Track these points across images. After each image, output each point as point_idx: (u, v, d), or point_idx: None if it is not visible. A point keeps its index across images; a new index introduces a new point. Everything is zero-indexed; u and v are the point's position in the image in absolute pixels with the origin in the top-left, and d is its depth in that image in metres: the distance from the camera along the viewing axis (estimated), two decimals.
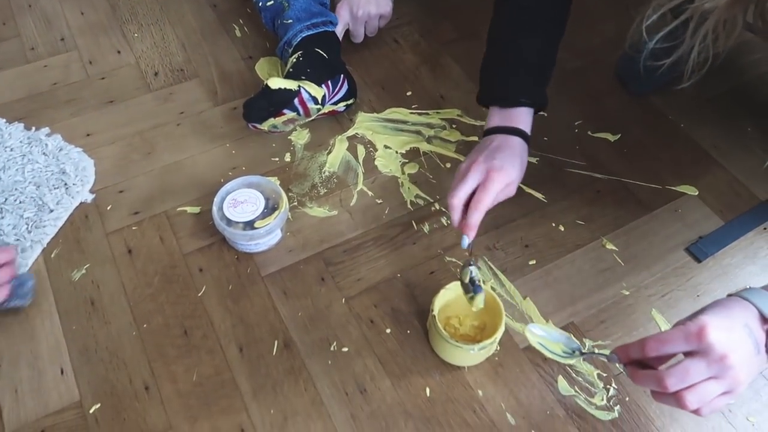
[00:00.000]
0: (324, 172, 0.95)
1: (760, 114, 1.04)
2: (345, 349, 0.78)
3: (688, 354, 0.56)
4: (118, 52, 1.11)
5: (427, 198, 0.92)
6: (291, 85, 0.92)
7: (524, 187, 0.93)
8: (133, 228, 0.88)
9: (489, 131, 0.81)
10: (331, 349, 0.78)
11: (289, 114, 0.93)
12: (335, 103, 0.98)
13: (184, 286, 0.83)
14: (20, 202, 0.88)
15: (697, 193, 0.94)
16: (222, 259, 0.85)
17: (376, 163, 0.96)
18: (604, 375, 0.76)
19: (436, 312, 0.73)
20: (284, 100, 0.91)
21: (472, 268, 0.74)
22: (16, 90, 1.04)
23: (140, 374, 0.75)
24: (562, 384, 0.75)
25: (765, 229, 0.90)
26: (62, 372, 0.75)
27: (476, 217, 0.73)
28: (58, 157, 0.94)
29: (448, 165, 0.96)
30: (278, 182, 0.92)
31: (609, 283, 0.84)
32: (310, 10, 1.00)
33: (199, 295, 0.82)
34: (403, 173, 0.95)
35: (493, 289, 0.82)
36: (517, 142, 0.79)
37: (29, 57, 1.10)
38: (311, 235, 0.88)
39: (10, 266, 0.76)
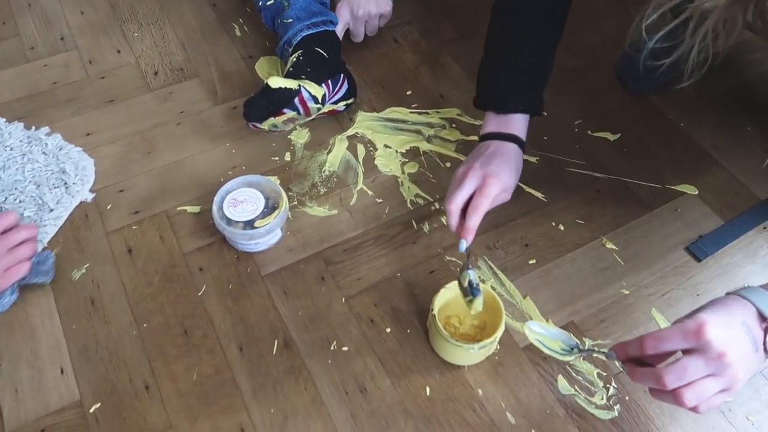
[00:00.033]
0: (324, 172, 0.95)
1: (760, 113, 1.04)
2: (345, 349, 0.78)
3: (686, 352, 0.56)
4: (118, 51, 1.11)
5: (427, 197, 0.92)
6: (291, 84, 0.92)
7: (524, 187, 0.93)
8: (133, 227, 0.88)
9: (485, 137, 0.83)
10: (331, 348, 0.78)
11: (289, 113, 0.93)
12: (335, 103, 0.98)
13: (184, 286, 0.83)
14: (20, 202, 0.88)
15: (696, 193, 0.94)
16: (222, 259, 0.85)
17: (376, 162, 0.96)
18: (604, 374, 0.76)
19: (436, 311, 0.73)
20: (284, 99, 0.91)
21: (470, 272, 0.74)
22: (15, 89, 1.04)
23: (140, 373, 0.75)
24: (562, 383, 0.75)
25: (765, 228, 0.90)
26: (62, 371, 0.75)
27: (474, 222, 0.75)
28: (58, 157, 0.94)
29: (448, 164, 0.96)
30: (278, 181, 0.92)
31: (609, 282, 0.84)
32: (310, 9, 1.00)
33: (199, 294, 0.82)
34: (403, 172, 0.95)
35: (493, 288, 0.82)
36: (512, 148, 0.80)
37: (29, 56, 1.10)
38: (311, 234, 0.88)
39: (32, 242, 0.77)
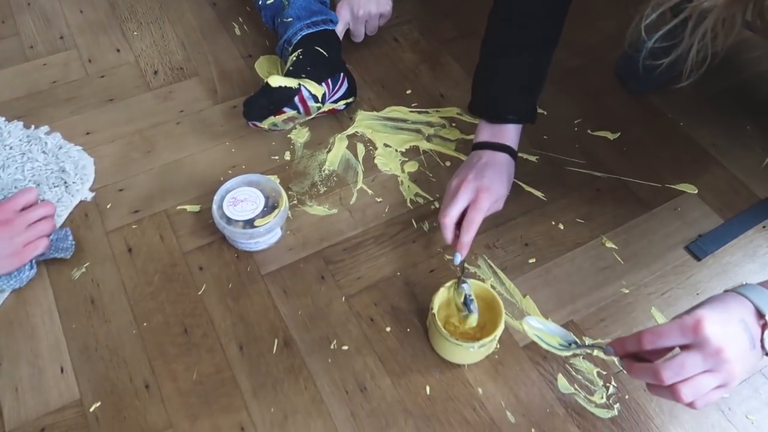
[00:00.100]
0: (324, 171, 0.95)
1: (759, 112, 1.04)
2: (345, 348, 0.78)
3: (684, 348, 0.56)
4: (118, 50, 1.11)
5: (427, 196, 0.92)
6: (291, 83, 0.92)
7: (524, 186, 0.93)
8: (133, 226, 0.88)
9: (477, 146, 0.84)
10: (331, 347, 0.78)
11: (289, 112, 0.93)
12: (335, 102, 0.98)
13: (184, 285, 0.83)
14: None
15: (696, 192, 0.94)
16: (222, 258, 0.85)
17: (375, 161, 0.96)
18: (604, 373, 0.76)
19: (435, 310, 0.73)
20: (285, 98, 0.91)
21: (465, 286, 0.75)
22: (15, 88, 1.04)
23: (140, 372, 0.75)
24: (562, 382, 0.75)
25: (764, 227, 0.90)
26: (62, 370, 0.75)
27: (469, 237, 0.77)
28: (57, 156, 0.94)
29: (448, 163, 0.96)
30: (278, 181, 0.92)
31: (608, 281, 0.84)
32: (310, 8, 1.00)
33: (199, 293, 0.82)
34: (403, 171, 0.95)
35: (492, 287, 0.82)
36: (504, 158, 0.82)
37: (28, 55, 1.10)
38: (311, 233, 0.88)
39: (51, 219, 0.81)
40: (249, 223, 0.82)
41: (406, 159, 0.97)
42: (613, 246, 0.88)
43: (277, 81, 0.91)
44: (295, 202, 0.91)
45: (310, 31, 0.98)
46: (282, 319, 0.80)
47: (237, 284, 0.83)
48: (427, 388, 0.75)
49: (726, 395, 0.65)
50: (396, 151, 0.98)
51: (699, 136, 1.01)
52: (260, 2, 1.04)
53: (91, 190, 0.91)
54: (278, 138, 0.98)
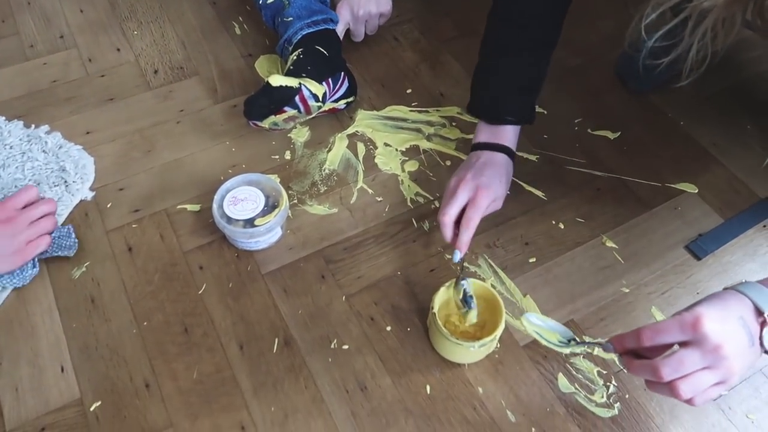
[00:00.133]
0: (324, 170, 0.95)
1: (759, 111, 1.05)
2: (345, 347, 0.78)
3: (683, 344, 0.56)
4: (118, 49, 1.11)
5: (427, 196, 0.93)
6: (292, 82, 0.92)
7: (524, 185, 0.93)
8: (134, 226, 0.88)
9: (476, 146, 0.85)
10: (332, 346, 0.78)
11: (290, 111, 0.93)
12: (336, 101, 0.98)
13: (185, 284, 0.83)
14: None
15: (696, 191, 0.94)
16: (222, 257, 0.85)
17: (376, 160, 0.96)
18: (604, 372, 0.76)
19: (436, 309, 0.73)
20: (285, 97, 0.91)
21: (465, 283, 0.75)
22: (15, 87, 1.04)
23: (141, 372, 0.75)
24: (562, 381, 0.75)
25: (764, 226, 0.90)
26: (62, 370, 0.75)
27: (468, 235, 0.78)
28: (57, 155, 0.93)
29: (448, 162, 0.96)
30: (278, 180, 0.92)
31: (609, 280, 0.84)
32: (311, 7, 1.00)
33: (200, 292, 0.82)
34: (403, 171, 0.95)
35: (493, 286, 0.82)
36: (502, 159, 0.83)
37: (28, 54, 1.10)
38: (311, 232, 0.88)
39: (52, 216, 0.81)
40: (249, 223, 0.82)
41: (407, 158, 0.97)
42: (614, 245, 0.88)
43: (277, 80, 0.91)
44: (296, 201, 0.91)
45: (311, 30, 0.98)
46: (282, 319, 0.80)
47: (237, 283, 0.83)
48: (428, 388, 0.75)
49: (725, 392, 0.65)
50: (396, 150, 0.98)
51: (699, 135, 1.01)
52: (260, 1, 1.04)
53: (92, 189, 0.91)
54: (278, 137, 0.98)
